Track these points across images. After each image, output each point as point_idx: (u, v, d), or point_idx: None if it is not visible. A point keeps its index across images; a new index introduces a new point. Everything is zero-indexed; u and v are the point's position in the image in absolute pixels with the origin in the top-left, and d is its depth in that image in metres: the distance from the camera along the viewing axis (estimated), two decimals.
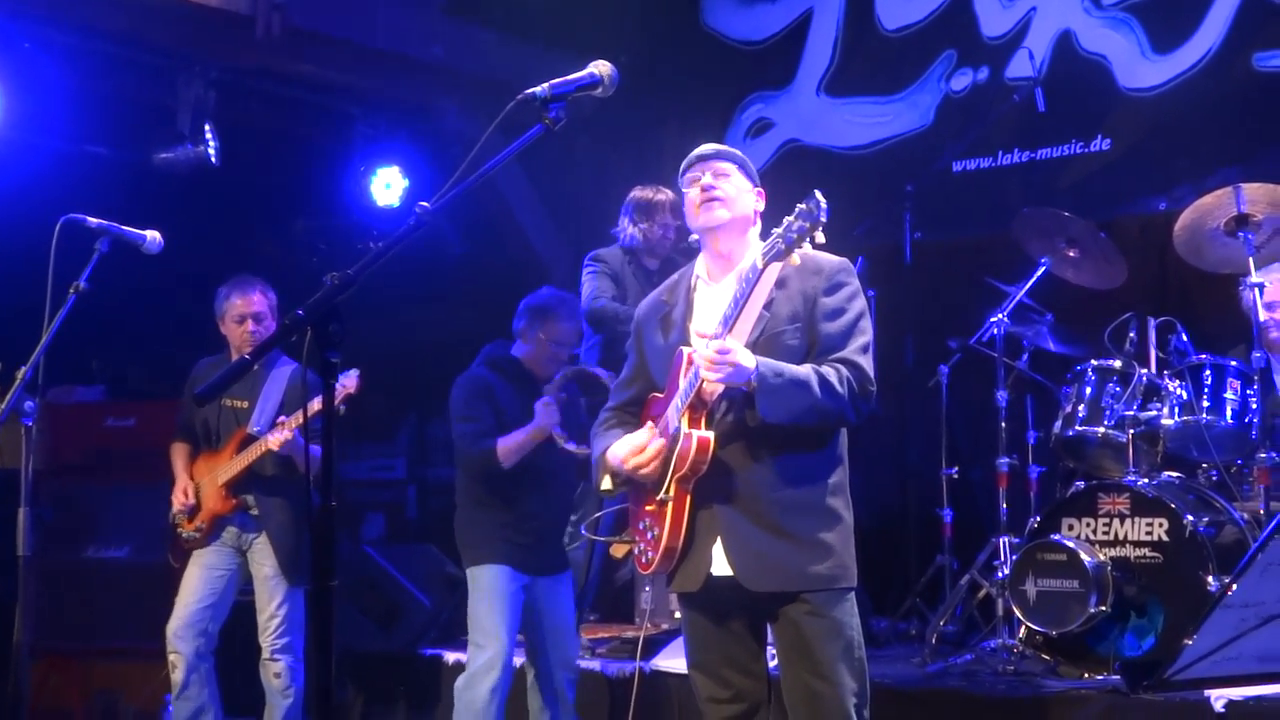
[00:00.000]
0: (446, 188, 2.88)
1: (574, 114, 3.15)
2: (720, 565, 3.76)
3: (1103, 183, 7.27)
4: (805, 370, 3.69)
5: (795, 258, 3.55)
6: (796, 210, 3.53)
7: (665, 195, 6.58)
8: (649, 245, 6.61)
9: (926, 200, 7.26)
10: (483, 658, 5.30)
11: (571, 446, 5.39)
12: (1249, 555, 1.82)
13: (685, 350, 3.79)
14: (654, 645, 5.94)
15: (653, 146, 8.42)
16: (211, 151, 7.51)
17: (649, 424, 3.89)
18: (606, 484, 3.98)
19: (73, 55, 7.16)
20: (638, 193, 6.66)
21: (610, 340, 6.40)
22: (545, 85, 3.06)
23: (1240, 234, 5.50)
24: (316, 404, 5.20)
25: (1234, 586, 1.80)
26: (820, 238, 3.52)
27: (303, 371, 2.75)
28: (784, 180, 8.09)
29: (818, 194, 3.50)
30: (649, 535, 3.85)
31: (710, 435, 3.71)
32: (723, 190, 3.88)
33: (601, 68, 3.20)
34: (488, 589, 5.37)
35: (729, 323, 3.67)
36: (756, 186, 3.98)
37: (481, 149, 2.91)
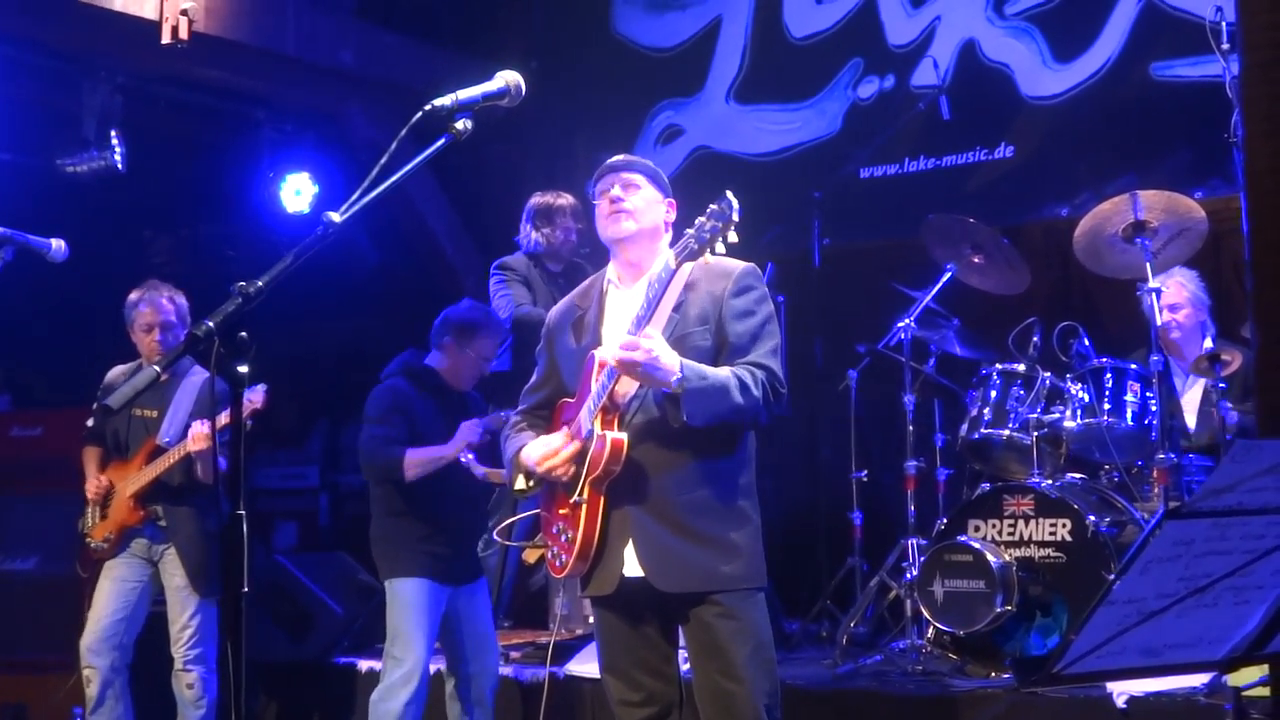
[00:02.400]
0: (355, 197, 2.88)
1: (485, 121, 3.16)
2: (632, 566, 3.79)
3: (1006, 189, 7.39)
4: (724, 373, 3.74)
5: (708, 256, 3.59)
6: (708, 210, 3.57)
7: (565, 200, 6.62)
8: (551, 249, 6.64)
9: (834, 207, 7.34)
10: (400, 671, 5.28)
11: (479, 474, 5.39)
12: (1130, 554, 1.89)
13: (597, 354, 3.82)
14: (567, 650, 5.96)
15: (564, 153, 8.46)
16: (118, 158, 7.42)
17: (563, 429, 3.92)
18: (520, 484, 4.00)
19: None
20: (538, 198, 6.68)
21: (523, 346, 6.43)
22: (452, 96, 3.06)
23: (1138, 240, 5.61)
24: (225, 418, 5.15)
25: (1117, 584, 1.87)
26: (733, 236, 3.55)
27: (210, 382, 2.73)
28: (694, 187, 8.04)
29: (729, 194, 3.55)
30: (563, 539, 3.87)
31: (624, 437, 3.74)
32: (631, 203, 3.92)
33: (509, 77, 3.22)
34: (409, 602, 5.34)
35: (642, 323, 3.70)
36: (668, 197, 4.01)
37: (391, 157, 2.92)
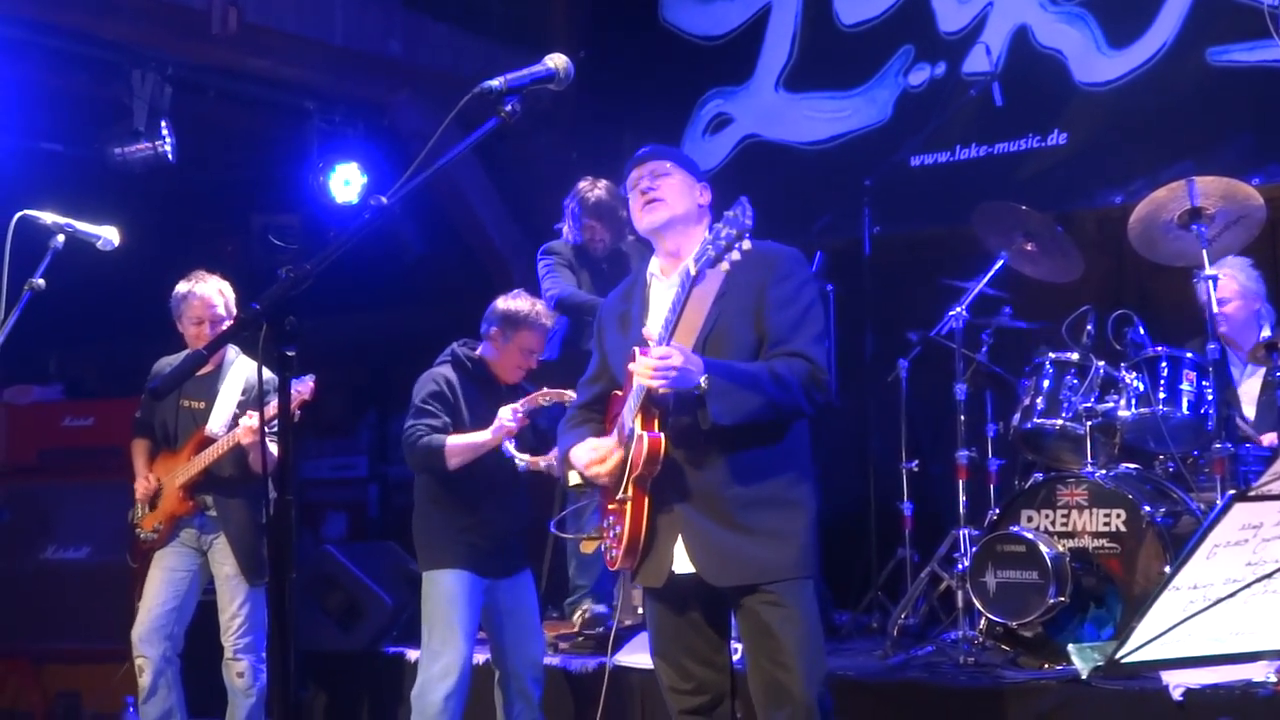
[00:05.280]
0: (403, 180, 2.87)
1: (532, 110, 3.15)
2: (682, 563, 3.79)
3: (1059, 177, 7.32)
4: (756, 367, 3.72)
5: (725, 264, 3.52)
6: (724, 217, 3.52)
7: (599, 190, 6.57)
8: (592, 238, 6.60)
9: (885, 195, 7.27)
10: (438, 664, 5.25)
11: (522, 467, 5.35)
12: (1195, 539, 1.84)
13: (638, 351, 3.79)
14: (617, 641, 5.93)
15: (612, 141, 8.42)
16: (168, 148, 7.46)
17: (613, 432, 3.90)
18: (574, 479, 4.01)
19: (27, 51, 7.10)
20: (579, 187, 6.65)
21: (570, 330, 6.42)
22: (501, 79, 3.05)
23: (1193, 227, 5.51)
24: (274, 408, 5.15)
25: (1180, 570, 1.82)
26: (747, 244, 3.48)
27: (258, 368, 2.73)
28: (744, 176, 8.13)
29: (744, 200, 3.50)
30: (613, 533, 3.89)
31: (661, 436, 3.73)
32: (662, 191, 3.91)
33: (557, 61, 3.20)
34: (447, 594, 5.31)
35: (670, 327, 3.68)
36: (700, 181, 4.00)
37: (438, 142, 2.90)
